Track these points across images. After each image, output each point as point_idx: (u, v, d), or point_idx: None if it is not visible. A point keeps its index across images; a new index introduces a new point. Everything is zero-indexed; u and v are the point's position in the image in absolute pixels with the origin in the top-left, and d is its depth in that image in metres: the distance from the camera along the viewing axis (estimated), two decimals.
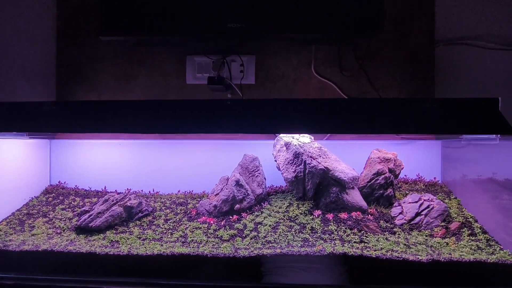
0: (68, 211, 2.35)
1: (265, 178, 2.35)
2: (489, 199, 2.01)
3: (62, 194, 2.56)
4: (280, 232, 1.93)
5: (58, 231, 2.10)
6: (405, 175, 2.48)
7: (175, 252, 1.78)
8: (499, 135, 1.70)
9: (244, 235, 1.94)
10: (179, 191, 2.57)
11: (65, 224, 2.17)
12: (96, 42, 2.61)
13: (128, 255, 1.79)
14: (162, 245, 1.89)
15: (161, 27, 2.31)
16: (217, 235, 1.95)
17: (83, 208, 2.28)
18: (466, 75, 2.45)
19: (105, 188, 2.61)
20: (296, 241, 1.86)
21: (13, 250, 1.85)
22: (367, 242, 1.83)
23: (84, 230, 2.08)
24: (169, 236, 1.99)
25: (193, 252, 1.78)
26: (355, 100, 2.36)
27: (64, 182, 2.67)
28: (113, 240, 1.96)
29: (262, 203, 2.22)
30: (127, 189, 2.57)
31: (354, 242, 1.83)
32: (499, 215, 1.91)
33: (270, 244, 1.84)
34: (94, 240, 1.98)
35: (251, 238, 1.91)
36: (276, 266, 1.73)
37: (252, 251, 1.77)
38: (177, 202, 2.41)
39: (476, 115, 1.69)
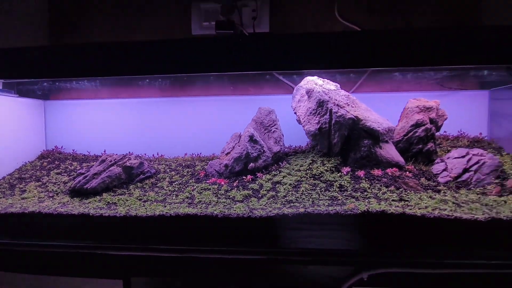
0: (64, 175, 2.11)
1: (282, 135, 2.04)
2: None
3: (58, 159, 2.32)
4: (302, 190, 1.65)
5: (50, 195, 1.87)
6: (445, 131, 2.14)
7: (180, 213, 1.52)
8: None
9: (260, 195, 1.66)
10: (185, 154, 2.30)
11: (59, 188, 1.94)
12: None
13: (125, 216, 1.54)
14: (165, 206, 1.63)
15: None
16: (229, 196, 1.68)
17: (79, 171, 2.04)
18: None
19: (104, 152, 2.36)
20: (322, 199, 1.56)
21: None
22: (408, 200, 1.52)
23: (78, 192, 1.84)
24: (173, 198, 1.73)
25: (201, 213, 1.51)
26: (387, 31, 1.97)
27: (61, 147, 2.44)
28: (110, 202, 1.71)
29: (280, 163, 1.93)
30: (129, 152, 2.31)
31: (393, 200, 1.53)
32: None
33: (292, 204, 1.56)
34: (89, 202, 1.73)
35: (268, 198, 1.63)
36: (299, 227, 1.44)
37: (270, 211, 1.49)
38: (183, 164, 2.14)
39: None
